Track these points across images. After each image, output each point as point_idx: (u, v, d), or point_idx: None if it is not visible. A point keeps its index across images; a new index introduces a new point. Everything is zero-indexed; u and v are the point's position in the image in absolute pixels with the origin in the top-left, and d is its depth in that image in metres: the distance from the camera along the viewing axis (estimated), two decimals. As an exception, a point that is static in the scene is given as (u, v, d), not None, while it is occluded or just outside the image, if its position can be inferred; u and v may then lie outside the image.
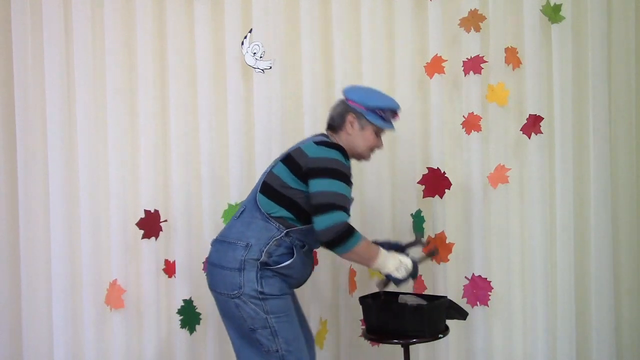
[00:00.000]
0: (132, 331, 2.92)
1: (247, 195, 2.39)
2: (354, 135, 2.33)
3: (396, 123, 2.40)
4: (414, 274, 2.29)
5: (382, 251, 2.26)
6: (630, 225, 3.25)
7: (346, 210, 2.15)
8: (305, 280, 2.36)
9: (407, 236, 2.99)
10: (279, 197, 2.23)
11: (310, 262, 2.35)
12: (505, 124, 3.05)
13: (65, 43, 2.91)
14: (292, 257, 2.21)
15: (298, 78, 2.97)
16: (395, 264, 2.26)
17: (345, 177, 2.18)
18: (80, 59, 2.89)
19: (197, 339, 2.91)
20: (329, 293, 3.03)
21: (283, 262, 2.20)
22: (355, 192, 2.47)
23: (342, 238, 2.12)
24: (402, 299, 2.58)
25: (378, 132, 2.35)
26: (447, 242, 2.95)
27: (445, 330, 2.57)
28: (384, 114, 2.31)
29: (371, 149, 2.37)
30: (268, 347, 2.21)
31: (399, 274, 2.25)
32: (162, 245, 2.91)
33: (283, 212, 2.23)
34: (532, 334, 3.08)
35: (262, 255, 2.18)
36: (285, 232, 2.22)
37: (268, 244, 2.20)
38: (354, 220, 2.62)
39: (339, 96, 2.92)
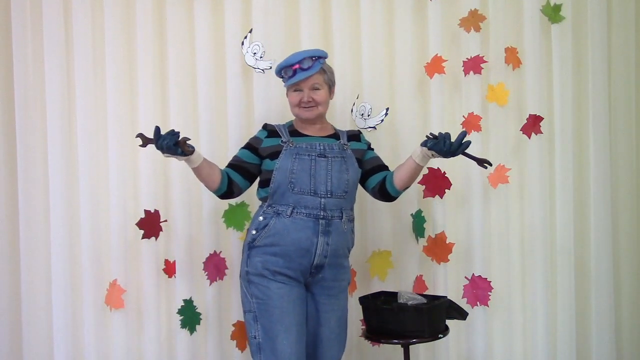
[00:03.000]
0: (132, 331, 2.92)
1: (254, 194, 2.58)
2: (289, 103, 2.54)
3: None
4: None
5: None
6: (630, 225, 3.26)
7: (229, 164, 2.53)
8: (304, 246, 2.35)
9: (407, 236, 3.00)
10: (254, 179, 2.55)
11: (305, 225, 2.36)
12: (505, 124, 3.05)
13: (65, 43, 2.91)
14: (268, 222, 2.38)
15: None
16: None
17: (246, 145, 2.56)
18: (80, 59, 2.89)
19: (197, 339, 2.90)
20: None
21: (262, 231, 2.38)
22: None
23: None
24: (401, 297, 2.58)
25: (295, 89, 2.49)
26: (447, 242, 2.95)
27: (445, 330, 2.57)
28: (284, 74, 2.50)
29: (297, 105, 2.49)
30: (249, 331, 2.39)
31: None
32: (162, 245, 2.90)
33: (260, 191, 2.49)
34: (532, 334, 3.08)
35: (249, 237, 2.42)
36: (264, 206, 2.44)
37: (254, 223, 2.43)
38: (355, 218, 2.64)
39: (339, 95, 2.95)
